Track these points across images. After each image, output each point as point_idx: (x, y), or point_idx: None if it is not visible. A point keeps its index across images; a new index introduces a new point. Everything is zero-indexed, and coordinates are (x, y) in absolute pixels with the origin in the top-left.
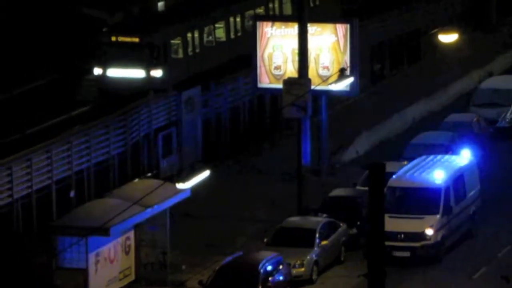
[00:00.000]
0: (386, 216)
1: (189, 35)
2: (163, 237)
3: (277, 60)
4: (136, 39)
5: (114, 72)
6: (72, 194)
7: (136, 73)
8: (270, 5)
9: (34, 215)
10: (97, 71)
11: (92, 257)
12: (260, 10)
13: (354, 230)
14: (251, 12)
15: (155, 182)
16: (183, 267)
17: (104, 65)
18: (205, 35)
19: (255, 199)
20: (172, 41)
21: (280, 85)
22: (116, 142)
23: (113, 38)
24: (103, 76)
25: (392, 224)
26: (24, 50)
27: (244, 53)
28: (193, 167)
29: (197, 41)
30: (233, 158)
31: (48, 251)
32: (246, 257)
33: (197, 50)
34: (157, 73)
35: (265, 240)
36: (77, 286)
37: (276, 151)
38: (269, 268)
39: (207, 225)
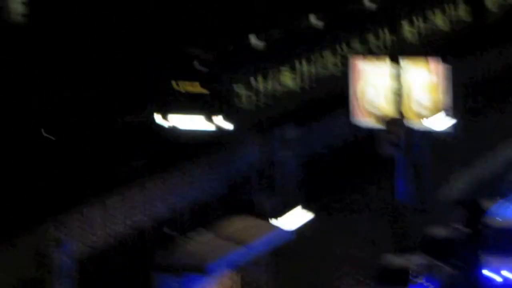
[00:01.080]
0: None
1: (259, 82)
2: (264, 277)
3: (371, 97)
4: (198, 87)
5: (176, 121)
6: (170, 231)
7: (198, 122)
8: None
9: (132, 251)
10: (158, 119)
11: None
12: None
13: (453, 271)
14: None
15: (253, 221)
16: None
17: (165, 113)
18: (277, 81)
19: (353, 237)
20: (239, 90)
21: (374, 122)
22: (215, 180)
23: (175, 86)
24: (164, 125)
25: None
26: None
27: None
28: (291, 206)
29: (270, 87)
30: (331, 196)
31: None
32: None
33: (268, 98)
34: (220, 121)
35: (362, 279)
36: None
37: (373, 188)
38: None
39: (307, 264)
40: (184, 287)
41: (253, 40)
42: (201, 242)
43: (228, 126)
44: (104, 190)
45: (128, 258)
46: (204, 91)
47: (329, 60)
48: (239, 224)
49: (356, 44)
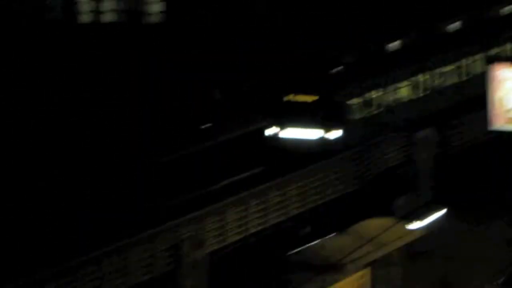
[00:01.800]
0: None
1: (369, 95)
2: (396, 276)
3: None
4: (313, 99)
5: (289, 132)
6: (307, 230)
7: (311, 134)
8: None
9: (270, 250)
10: (271, 131)
11: None
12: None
13: None
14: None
15: (389, 221)
16: None
17: (279, 125)
18: (390, 93)
19: (488, 238)
20: (352, 101)
21: None
22: (351, 180)
23: (290, 97)
24: (277, 135)
25: None
26: None
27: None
28: (427, 206)
29: (382, 99)
30: (465, 196)
31: (283, 286)
32: None
33: (379, 109)
34: (332, 134)
35: (499, 282)
36: None
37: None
38: None
39: (440, 265)
40: (320, 285)
41: (390, 44)
42: (337, 241)
43: (341, 137)
44: (242, 190)
45: (264, 256)
46: (319, 102)
47: (467, 65)
48: (374, 224)
49: (494, 50)
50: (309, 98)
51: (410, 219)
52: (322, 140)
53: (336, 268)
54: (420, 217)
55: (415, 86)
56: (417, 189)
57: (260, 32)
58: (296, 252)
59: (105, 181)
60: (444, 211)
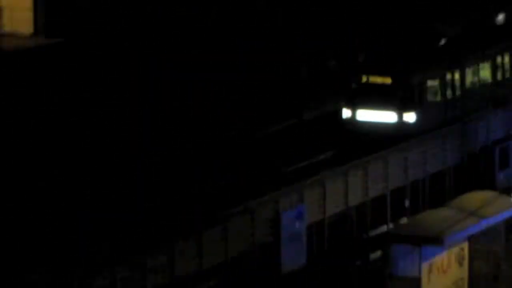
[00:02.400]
0: None
1: (448, 76)
2: (498, 250)
3: None
4: (388, 80)
5: (364, 115)
6: (407, 203)
7: (388, 117)
8: None
9: (369, 223)
10: (346, 113)
11: (425, 266)
12: None
13: None
14: None
15: (491, 194)
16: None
17: (354, 107)
18: (469, 76)
19: None
20: (430, 83)
21: None
22: (452, 154)
23: (364, 79)
24: (352, 119)
25: None
26: None
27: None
28: None
29: (457, 83)
30: None
31: (382, 259)
32: None
33: (457, 93)
34: (410, 117)
35: None
36: None
37: None
38: None
39: None
40: (420, 257)
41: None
42: (439, 214)
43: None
44: (344, 163)
45: (365, 227)
46: (394, 85)
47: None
48: (476, 198)
49: None
50: (385, 80)
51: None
52: (399, 123)
53: (436, 241)
54: None
55: None
56: None
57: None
58: (397, 225)
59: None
60: None
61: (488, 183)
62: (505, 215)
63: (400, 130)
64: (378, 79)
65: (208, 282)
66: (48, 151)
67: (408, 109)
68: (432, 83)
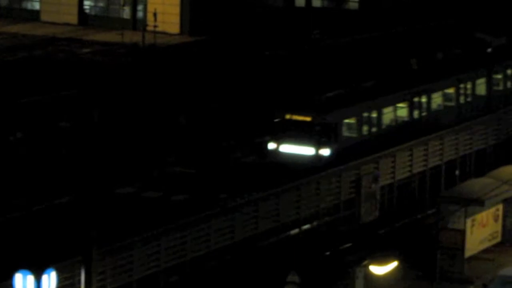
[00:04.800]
0: None
1: (365, 115)
2: None
3: None
4: (309, 118)
5: (286, 148)
6: (457, 172)
7: (306, 150)
8: None
9: (428, 187)
10: (271, 145)
11: (469, 222)
12: None
13: None
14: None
15: None
16: None
17: (278, 141)
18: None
19: None
20: (347, 121)
21: None
22: (493, 135)
23: (288, 116)
24: (276, 150)
25: None
26: None
27: None
28: None
29: (374, 121)
30: None
31: (436, 215)
32: None
33: (374, 130)
34: (325, 151)
35: None
36: (456, 243)
37: None
38: None
39: None
40: (465, 214)
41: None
42: (480, 182)
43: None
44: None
45: (424, 191)
46: (313, 122)
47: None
48: (509, 170)
49: None
50: (306, 118)
51: None
52: (316, 156)
53: (477, 202)
54: None
55: None
56: None
57: None
58: (448, 190)
59: None
60: None
61: None
62: None
63: (316, 162)
64: (299, 117)
65: (304, 226)
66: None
67: (324, 144)
68: (350, 120)
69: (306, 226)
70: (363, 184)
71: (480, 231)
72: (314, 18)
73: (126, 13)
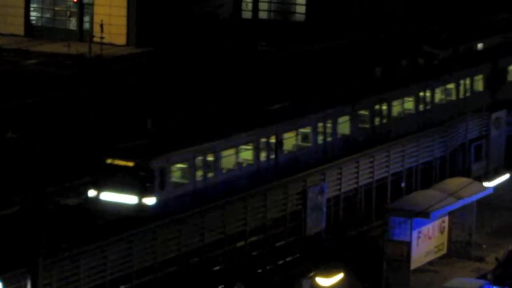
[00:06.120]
0: None
1: (200, 158)
2: (470, 222)
3: None
4: (131, 164)
5: (107, 196)
6: (402, 184)
7: (128, 198)
8: None
9: (374, 199)
10: (91, 192)
11: (415, 233)
12: None
13: None
14: None
15: (466, 180)
16: (484, 246)
17: (98, 188)
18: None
19: None
20: (177, 166)
21: None
22: (439, 148)
23: (109, 161)
24: (96, 198)
25: None
26: None
27: None
28: (497, 171)
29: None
30: None
31: (382, 226)
32: None
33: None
34: (150, 200)
35: None
36: (401, 255)
37: None
38: None
39: (504, 216)
40: (411, 227)
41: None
42: (426, 194)
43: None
44: (355, 153)
45: (370, 203)
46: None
47: None
48: (455, 182)
49: None
50: (128, 163)
51: (484, 180)
52: (138, 206)
53: (423, 215)
54: (490, 178)
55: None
56: (490, 157)
57: None
58: (395, 202)
59: None
60: (509, 175)
61: (465, 172)
62: (477, 196)
63: (140, 211)
64: (121, 162)
65: (251, 238)
66: None
67: (148, 192)
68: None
69: (253, 238)
70: (309, 196)
71: (425, 243)
72: (261, 30)
73: (72, 24)
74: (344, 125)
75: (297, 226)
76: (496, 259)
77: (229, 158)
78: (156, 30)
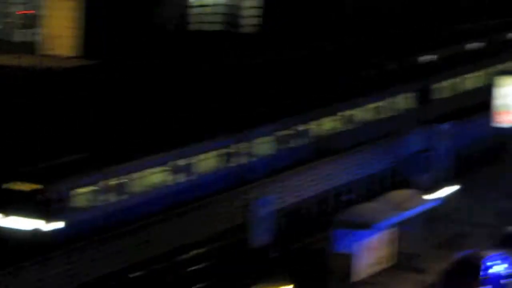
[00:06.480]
0: None
1: (110, 182)
2: (415, 234)
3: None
4: (29, 188)
5: (5, 222)
6: (346, 197)
7: (25, 224)
8: None
9: (319, 211)
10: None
11: (359, 246)
12: None
13: None
14: None
15: (412, 192)
16: (429, 257)
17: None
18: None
19: (488, 209)
20: (81, 190)
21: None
22: (384, 160)
23: (9, 185)
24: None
25: None
26: None
27: None
28: (443, 183)
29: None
30: (471, 176)
31: (326, 239)
32: (476, 253)
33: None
34: (50, 226)
35: (493, 242)
36: (345, 267)
37: (506, 174)
38: (491, 263)
39: (449, 227)
40: (355, 239)
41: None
42: (370, 206)
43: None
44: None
45: (314, 215)
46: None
47: (477, 76)
48: (400, 194)
49: (500, 65)
50: (28, 187)
51: (429, 192)
52: (37, 232)
53: (366, 226)
54: (436, 190)
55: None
56: (436, 169)
57: None
58: (340, 213)
59: None
60: (455, 187)
61: (411, 184)
62: (422, 208)
63: (40, 237)
64: (21, 186)
65: (197, 251)
66: None
67: (49, 217)
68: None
69: (198, 251)
70: (253, 209)
71: (370, 255)
72: (208, 41)
73: (23, 36)
74: (264, 146)
75: (243, 239)
76: (441, 270)
77: (140, 181)
78: (104, 42)
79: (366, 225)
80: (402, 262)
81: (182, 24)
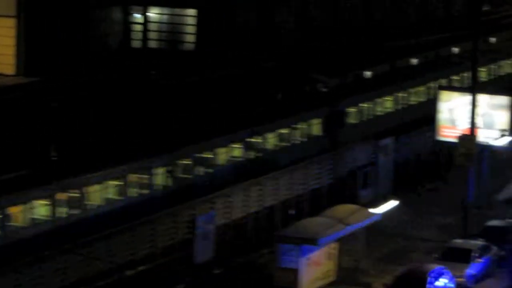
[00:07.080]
0: None
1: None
2: (358, 248)
3: (452, 119)
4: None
5: None
6: (292, 212)
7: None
8: None
9: (263, 226)
10: None
11: (303, 260)
12: None
13: (503, 252)
14: None
15: (355, 207)
16: (372, 272)
17: None
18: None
19: (429, 223)
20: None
21: (452, 139)
22: (327, 175)
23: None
24: None
25: None
26: None
27: None
28: (385, 198)
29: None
30: (415, 192)
31: (271, 254)
32: (419, 267)
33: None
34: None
35: (435, 256)
36: (290, 282)
37: (447, 188)
38: (436, 276)
39: (392, 242)
40: (299, 254)
41: (365, 73)
42: (314, 221)
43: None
44: (244, 180)
45: (259, 230)
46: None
47: (421, 90)
48: (343, 209)
49: (443, 80)
50: None
51: (371, 207)
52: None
53: (311, 241)
54: (378, 205)
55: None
56: (378, 184)
57: None
58: (283, 228)
59: None
60: (397, 201)
61: (353, 199)
62: (365, 223)
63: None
64: None
65: (140, 267)
66: None
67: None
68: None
69: (141, 267)
70: (197, 224)
71: (314, 270)
72: (151, 59)
73: None
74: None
75: (187, 254)
76: (384, 285)
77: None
78: (45, 59)
79: (311, 240)
80: (346, 276)
81: (125, 41)
